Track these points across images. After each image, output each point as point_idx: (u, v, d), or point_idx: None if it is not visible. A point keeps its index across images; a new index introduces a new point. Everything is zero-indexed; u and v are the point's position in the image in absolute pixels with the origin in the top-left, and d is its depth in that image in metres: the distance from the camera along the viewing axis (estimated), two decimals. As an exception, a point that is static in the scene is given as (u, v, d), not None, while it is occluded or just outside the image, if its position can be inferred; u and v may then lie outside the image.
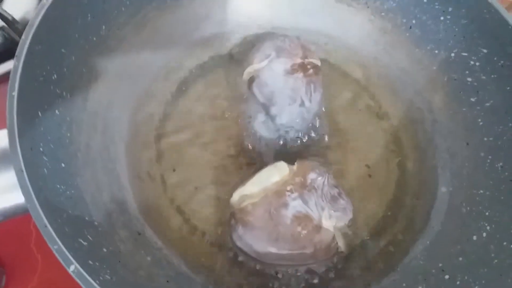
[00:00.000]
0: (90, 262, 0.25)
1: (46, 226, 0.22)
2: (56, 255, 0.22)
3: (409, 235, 0.37)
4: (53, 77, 0.31)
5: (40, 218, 0.23)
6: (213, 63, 0.44)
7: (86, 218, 0.30)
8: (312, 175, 0.35)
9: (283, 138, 0.41)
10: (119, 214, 0.33)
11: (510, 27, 0.37)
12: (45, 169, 0.27)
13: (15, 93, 0.26)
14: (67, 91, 0.33)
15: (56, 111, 0.31)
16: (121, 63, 0.39)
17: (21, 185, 0.23)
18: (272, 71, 0.40)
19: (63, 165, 0.30)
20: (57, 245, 0.22)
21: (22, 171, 0.24)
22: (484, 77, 0.39)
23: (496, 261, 0.32)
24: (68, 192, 0.29)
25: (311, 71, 0.40)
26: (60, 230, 0.24)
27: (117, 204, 0.34)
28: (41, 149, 0.28)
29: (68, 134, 0.33)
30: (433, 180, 0.40)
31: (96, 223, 0.30)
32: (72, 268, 0.23)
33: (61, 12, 0.32)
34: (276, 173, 0.35)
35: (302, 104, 0.40)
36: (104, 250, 0.28)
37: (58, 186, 0.28)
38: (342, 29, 0.47)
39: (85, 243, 0.27)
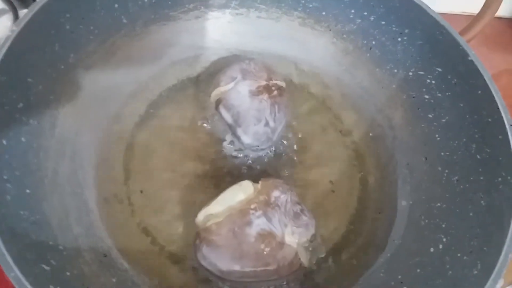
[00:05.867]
0: (52, 287, 0.26)
1: (3, 255, 0.23)
2: (13, 282, 0.22)
3: (371, 249, 0.39)
4: (18, 106, 0.32)
5: (-3, 245, 0.23)
6: (182, 86, 0.46)
7: (51, 243, 0.30)
8: (275, 193, 0.36)
9: (249, 157, 0.42)
10: (85, 237, 0.33)
11: (460, 47, 0.39)
12: (8, 196, 0.28)
13: (-23, 124, 0.27)
14: (34, 118, 0.33)
15: (22, 139, 0.32)
16: (90, 89, 0.40)
17: (-21, 214, 0.24)
18: (238, 93, 0.42)
19: (28, 191, 0.31)
20: (13, 273, 0.22)
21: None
22: (439, 95, 0.41)
23: (450, 272, 0.33)
24: (32, 218, 0.29)
25: (275, 92, 0.42)
26: (20, 257, 0.24)
27: (84, 228, 0.34)
28: (4, 177, 0.28)
29: (35, 161, 0.33)
30: (394, 194, 0.41)
31: (61, 247, 0.30)
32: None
33: (27, 43, 0.32)
34: (240, 192, 0.36)
35: (267, 124, 0.41)
36: (68, 273, 0.29)
37: (22, 212, 0.29)
38: (306, 51, 0.49)
39: (47, 268, 0.27)
